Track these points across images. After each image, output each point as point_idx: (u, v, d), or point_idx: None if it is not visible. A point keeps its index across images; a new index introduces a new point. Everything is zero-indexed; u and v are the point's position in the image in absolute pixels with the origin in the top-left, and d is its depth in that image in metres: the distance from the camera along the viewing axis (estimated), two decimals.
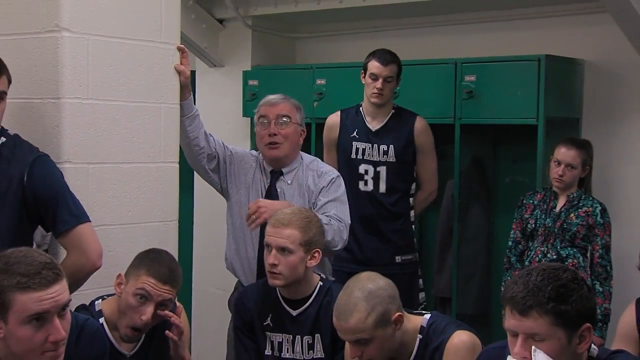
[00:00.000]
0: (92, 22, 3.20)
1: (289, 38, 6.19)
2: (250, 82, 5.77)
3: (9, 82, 2.97)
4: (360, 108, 4.67)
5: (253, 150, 4.01)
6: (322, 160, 4.46)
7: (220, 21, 6.07)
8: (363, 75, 4.60)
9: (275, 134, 3.77)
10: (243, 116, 5.82)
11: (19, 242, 2.92)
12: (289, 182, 3.84)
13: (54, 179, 2.99)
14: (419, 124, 4.64)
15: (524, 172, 5.06)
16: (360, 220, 4.43)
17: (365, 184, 4.58)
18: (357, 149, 4.60)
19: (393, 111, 4.64)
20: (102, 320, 2.93)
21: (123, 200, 3.33)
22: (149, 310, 2.91)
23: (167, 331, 2.99)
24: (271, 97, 3.91)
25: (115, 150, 3.30)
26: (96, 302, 3.01)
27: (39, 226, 3.05)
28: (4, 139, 3.00)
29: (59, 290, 2.38)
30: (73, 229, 2.97)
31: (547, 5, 5.06)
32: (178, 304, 3.17)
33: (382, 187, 4.56)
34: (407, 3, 5.22)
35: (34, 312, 2.33)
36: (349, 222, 3.80)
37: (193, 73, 6.07)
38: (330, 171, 3.93)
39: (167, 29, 3.46)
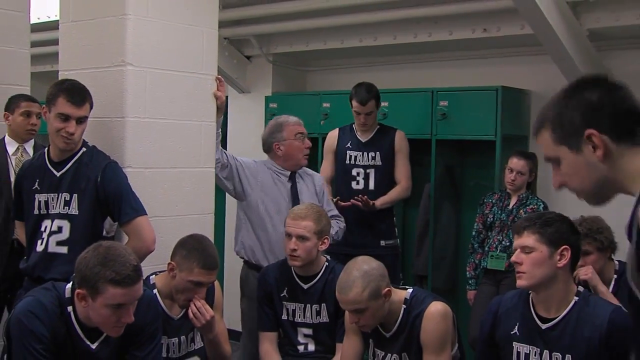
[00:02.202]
0: (150, 58, 3.21)
1: (301, 71, 6.18)
2: (271, 105, 5.74)
3: (91, 107, 3.00)
4: (353, 125, 4.65)
5: (255, 159, 3.95)
6: (321, 164, 4.68)
7: (248, 57, 6.07)
8: (351, 104, 4.55)
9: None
10: None
11: (93, 229, 2.97)
12: (304, 183, 3.92)
13: (121, 181, 3.01)
14: (399, 134, 4.62)
15: (485, 177, 5.04)
16: (353, 212, 4.41)
17: (357, 183, 4.54)
18: (350, 156, 4.57)
19: (378, 127, 4.62)
20: (155, 291, 2.93)
21: (171, 197, 3.32)
22: (203, 291, 2.91)
23: (191, 316, 2.91)
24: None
25: (166, 157, 3.30)
26: (151, 277, 3.00)
27: (108, 217, 3.07)
28: (84, 149, 3.05)
29: (138, 287, 2.45)
30: (133, 220, 2.98)
31: (503, 48, 5.06)
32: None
33: (372, 185, 4.51)
34: (394, 44, 5.22)
35: (118, 302, 2.40)
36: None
37: (226, 98, 6.08)
38: (317, 174, 4.08)
39: (207, 63, 3.46)
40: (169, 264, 2.94)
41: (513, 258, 2.62)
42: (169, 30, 3.29)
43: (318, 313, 3.31)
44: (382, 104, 4.86)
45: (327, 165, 4.70)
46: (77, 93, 2.95)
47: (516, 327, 2.62)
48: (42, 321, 2.43)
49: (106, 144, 3.15)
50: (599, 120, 1.49)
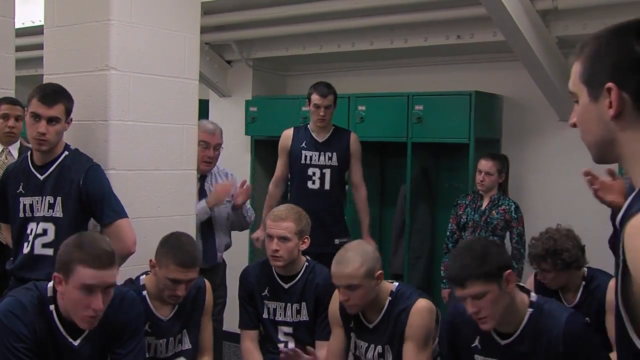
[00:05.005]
0: (133, 62, 3.19)
1: (281, 75, 6.17)
2: (251, 109, 5.72)
3: (67, 110, 2.95)
4: (308, 126, 4.55)
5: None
6: (276, 163, 4.62)
7: (228, 62, 6.04)
8: (308, 104, 4.48)
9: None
10: (245, 134, 5.79)
11: (77, 230, 2.92)
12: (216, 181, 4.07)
13: (103, 183, 2.98)
14: (353, 136, 4.54)
15: (459, 179, 5.06)
16: (307, 212, 4.38)
17: (313, 183, 4.45)
18: (306, 156, 4.46)
19: (333, 128, 4.54)
20: (144, 292, 2.89)
21: (154, 199, 3.30)
22: (181, 288, 2.86)
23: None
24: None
25: (149, 160, 3.27)
26: (141, 277, 2.97)
27: (91, 218, 3.03)
28: (67, 152, 3.01)
29: (109, 273, 2.42)
30: (114, 222, 2.95)
31: (476, 54, 5.08)
32: (206, 281, 3.14)
33: (327, 185, 4.44)
34: (371, 50, 5.23)
35: (85, 283, 2.38)
36: None
37: (207, 102, 6.06)
38: (231, 173, 4.19)
39: (189, 67, 3.44)
40: (150, 260, 2.92)
41: (470, 310, 2.44)
42: (152, 36, 3.26)
43: (298, 312, 3.29)
44: (360, 107, 4.87)
45: (280, 164, 4.61)
46: (50, 94, 2.91)
47: (477, 340, 2.58)
48: (22, 320, 2.41)
49: (90, 146, 3.12)
50: (627, 76, 1.24)
